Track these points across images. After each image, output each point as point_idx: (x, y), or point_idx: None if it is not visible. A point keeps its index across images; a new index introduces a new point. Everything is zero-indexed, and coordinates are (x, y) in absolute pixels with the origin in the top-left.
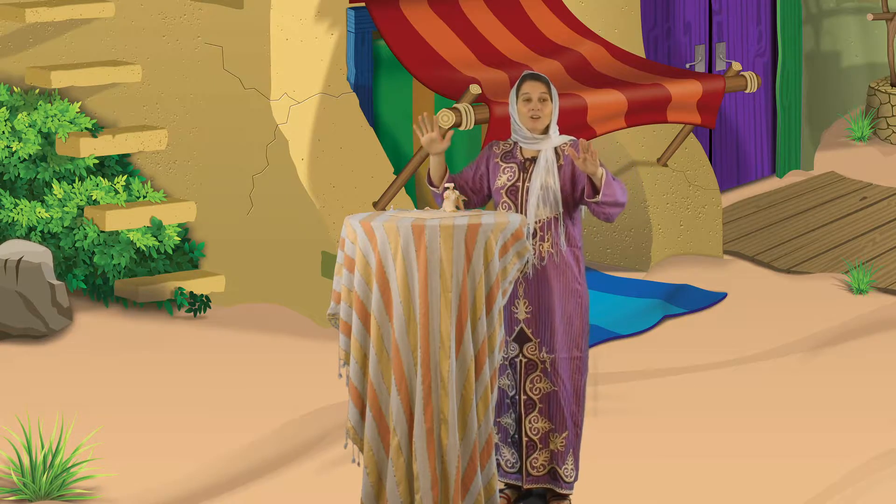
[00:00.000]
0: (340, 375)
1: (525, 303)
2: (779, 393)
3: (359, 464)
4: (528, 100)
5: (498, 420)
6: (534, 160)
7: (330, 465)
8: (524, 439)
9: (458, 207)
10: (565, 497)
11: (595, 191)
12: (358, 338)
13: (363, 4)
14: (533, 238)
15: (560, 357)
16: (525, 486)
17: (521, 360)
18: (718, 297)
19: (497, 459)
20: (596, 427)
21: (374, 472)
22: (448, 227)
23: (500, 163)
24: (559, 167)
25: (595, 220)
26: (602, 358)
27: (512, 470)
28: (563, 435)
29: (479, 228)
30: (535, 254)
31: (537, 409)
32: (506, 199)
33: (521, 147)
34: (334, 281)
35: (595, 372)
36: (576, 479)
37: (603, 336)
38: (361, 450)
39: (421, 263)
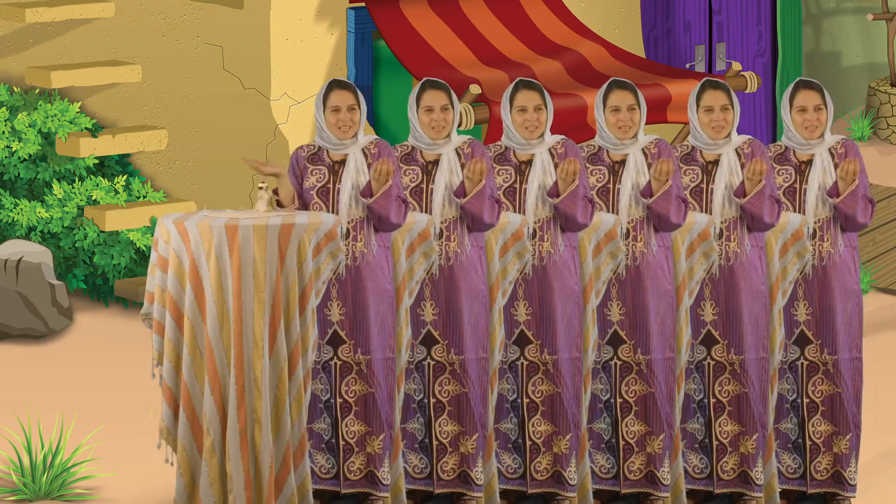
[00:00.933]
0: (154, 375)
1: (525, 304)
2: None
3: (172, 464)
4: (524, 110)
5: (496, 426)
6: (529, 162)
7: None
8: (527, 443)
9: (275, 206)
10: (566, 499)
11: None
12: (171, 338)
13: (363, 4)
14: (532, 238)
15: (562, 358)
16: (530, 491)
17: (522, 363)
18: None
19: (497, 466)
20: None
21: (187, 472)
22: (261, 227)
23: (495, 165)
24: (555, 166)
25: None
26: None
27: (514, 476)
28: (567, 437)
29: (292, 229)
30: (534, 254)
31: (540, 411)
32: (316, 199)
33: (513, 150)
34: (148, 281)
35: None
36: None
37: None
38: (175, 450)
39: (234, 263)
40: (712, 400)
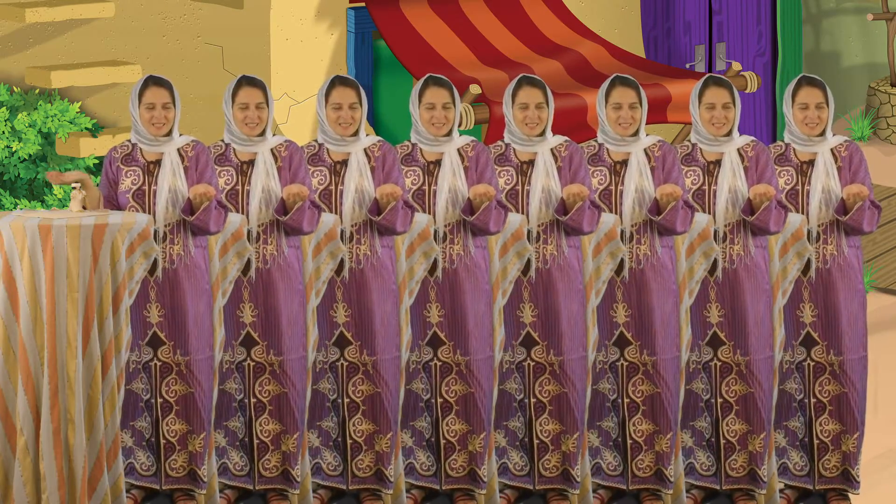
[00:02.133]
0: None
1: (531, 306)
2: None
3: None
4: (525, 107)
5: (505, 424)
6: (530, 163)
7: None
8: (535, 441)
9: (84, 207)
10: (567, 497)
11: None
12: None
13: (363, 4)
14: (536, 241)
15: (568, 359)
16: (537, 488)
17: (528, 364)
18: None
19: (504, 462)
20: None
21: (0, 471)
22: (75, 226)
23: (496, 166)
24: (558, 169)
25: None
26: None
27: (521, 473)
28: (575, 436)
29: (105, 228)
30: (538, 257)
31: (547, 411)
32: (132, 203)
33: (514, 150)
34: None
35: None
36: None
37: None
38: None
39: (48, 263)
40: (720, 400)
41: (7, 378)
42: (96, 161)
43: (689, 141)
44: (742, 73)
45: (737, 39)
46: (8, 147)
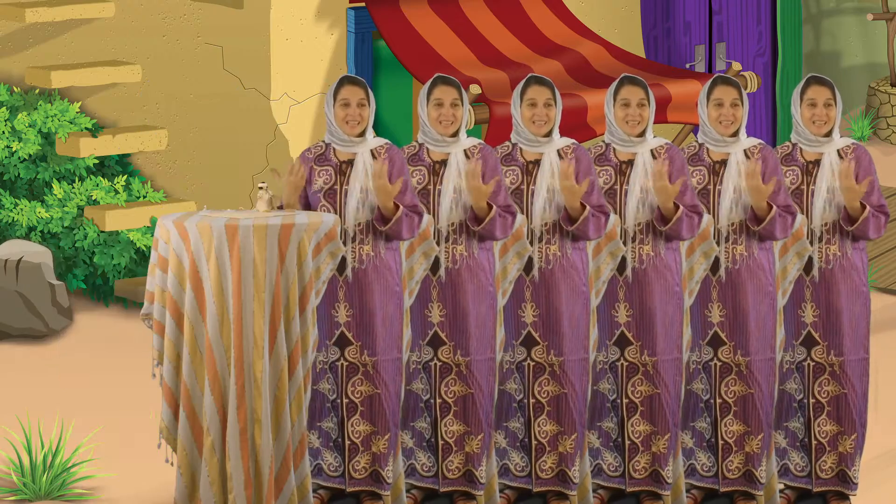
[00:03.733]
0: (154, 375)
1: (532, 306)
2: None
3: (172, 463)
4: (533, 105)
5: (505, 424)
6: (536, 163)
7: None
8: (533, 442)
9: (271, 207)
10: (566, 497)
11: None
12: (171, 338)
13: (363, 4)
14: (539, 241)
15: (568, 360)
16: (535, 489)
17: (528, 364)
18: None
19: (506, 463)
20: None
21: (187, 471)
22: (261, 227)
23: (502, 165)
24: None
25: None
26: None
27: (522, 474)
28: (573, 437)
29: (292, 228)
30: (541, 257)
31: (545, 412)
32: (324, 202)
33: (521, 149)
34: (147, 281)
35: None
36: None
37: None
38: (175, 449)
39: (234, 263)
40: (718, 400)
41: (194, 378)
42: (96, 161)
43: (697, 141)
44: (742, 73)
45: (737, 39)
46: (8, 147)
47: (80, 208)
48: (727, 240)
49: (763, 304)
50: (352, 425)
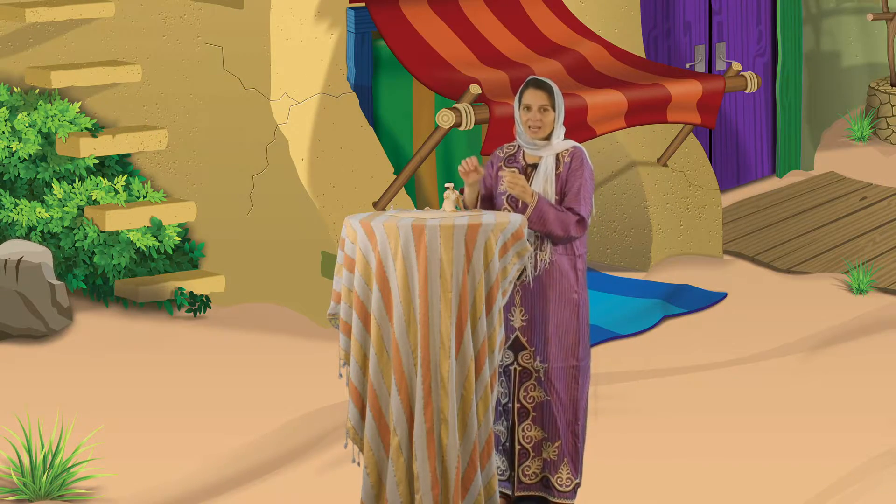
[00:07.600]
0: (340, 375)
1: (521, 311)
2: (779, 393)
3: (359, 464)
4: (528, 109)
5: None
6: (535, 166)
7: (330, 466)
8: (517, 447)
9: (458, 207)
10: None
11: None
12: (358, 338)
13: (363, 4)
14: (532, 247)
15: (554, 367)
16: (516, 494)
17: (515, 368)
18: (718, 298)
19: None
20: (596, 427)
21: (374, 472)
22: (448, 227)
23: (504, 167)
24: (557, 175)
25: (596, 220)
26: (602, 358)
27: (502, 478)
28: (556, 444)
29: (479, 228)
30: (532, 262)
31: (530, 417)
32: (506, 205)
33: (524, 151)
34: (334, 281)
35: (595, 372)
36: (577, 487)
37: (603, 336)
38: (361, 450)
39: (421, 263)
40: (516, 405)
41: (381, 378)
42: (96, 161)
43: (515, 143)
44: (742, 73)
45: (737, 39)
46: (8, 147)
47: (80, 208)
48: (532, 245)
49: (565, 310)
50: (522, 430)
